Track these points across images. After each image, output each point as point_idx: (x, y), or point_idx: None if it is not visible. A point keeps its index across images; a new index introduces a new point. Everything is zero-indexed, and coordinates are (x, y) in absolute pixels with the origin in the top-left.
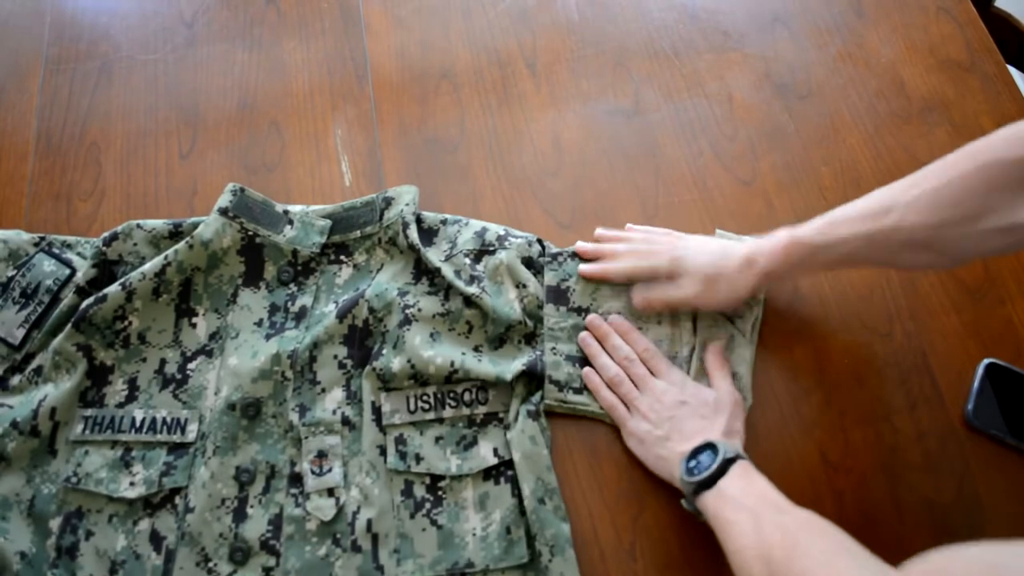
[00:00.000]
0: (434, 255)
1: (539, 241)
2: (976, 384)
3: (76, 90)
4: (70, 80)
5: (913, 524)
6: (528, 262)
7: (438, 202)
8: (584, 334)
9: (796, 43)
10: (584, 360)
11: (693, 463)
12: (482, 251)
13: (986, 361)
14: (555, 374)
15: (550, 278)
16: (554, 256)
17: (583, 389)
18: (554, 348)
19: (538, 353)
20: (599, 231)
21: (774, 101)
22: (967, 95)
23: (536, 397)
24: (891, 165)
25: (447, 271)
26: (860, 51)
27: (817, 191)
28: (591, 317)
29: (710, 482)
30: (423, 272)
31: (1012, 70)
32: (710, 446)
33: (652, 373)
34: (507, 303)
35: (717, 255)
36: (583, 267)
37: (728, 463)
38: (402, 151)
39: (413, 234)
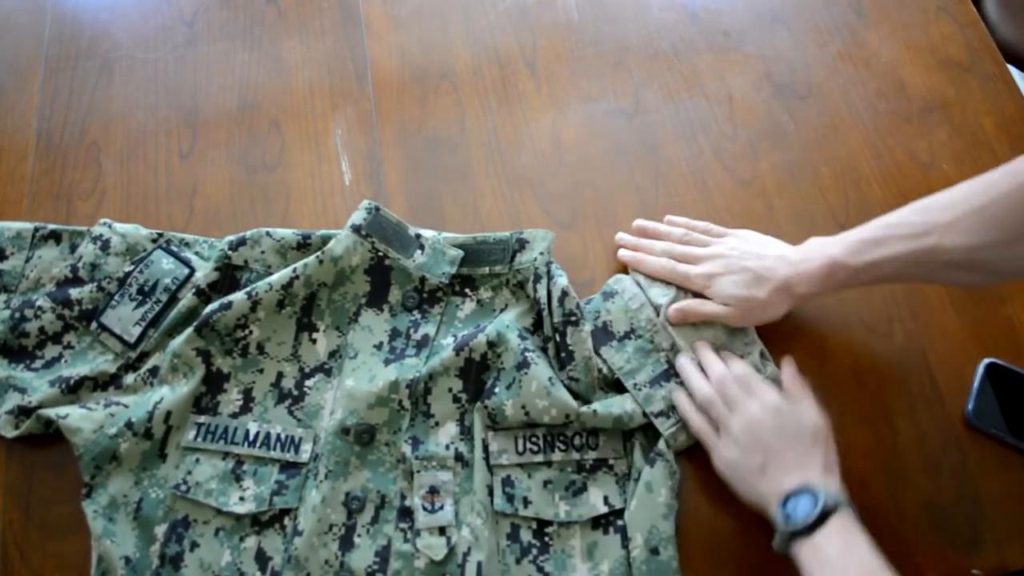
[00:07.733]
0: (548, 320)
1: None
2: (976, 384)
3: (76, 89)
4: (70, 79)
5: (913, 524)
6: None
7: (438, 202)
8: (683, 359)
9: (796, 43)
10: (668, 373)
11: (790, 507)
12: (567, 322)
13: (986, 361)
14: (654, 407)
15: (586, 330)
16: (577, 305)
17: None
18: (635, 384)
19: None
20: (638, 222)
21: (774, 101)
22: (967, 95)
23: (659, 444)
24: (891, 165)
25: (551, 349)
26: (860, 51)
27: (817, 191)
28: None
29: (807, 532)
30: (542, 326)
31: (1012, 70)
32: (808, 490)
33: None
34: (591, 384)
35: (751, 281)
36: (622, 252)
37: (828, 513)
38: (402, 151)
39: (542, 291)
